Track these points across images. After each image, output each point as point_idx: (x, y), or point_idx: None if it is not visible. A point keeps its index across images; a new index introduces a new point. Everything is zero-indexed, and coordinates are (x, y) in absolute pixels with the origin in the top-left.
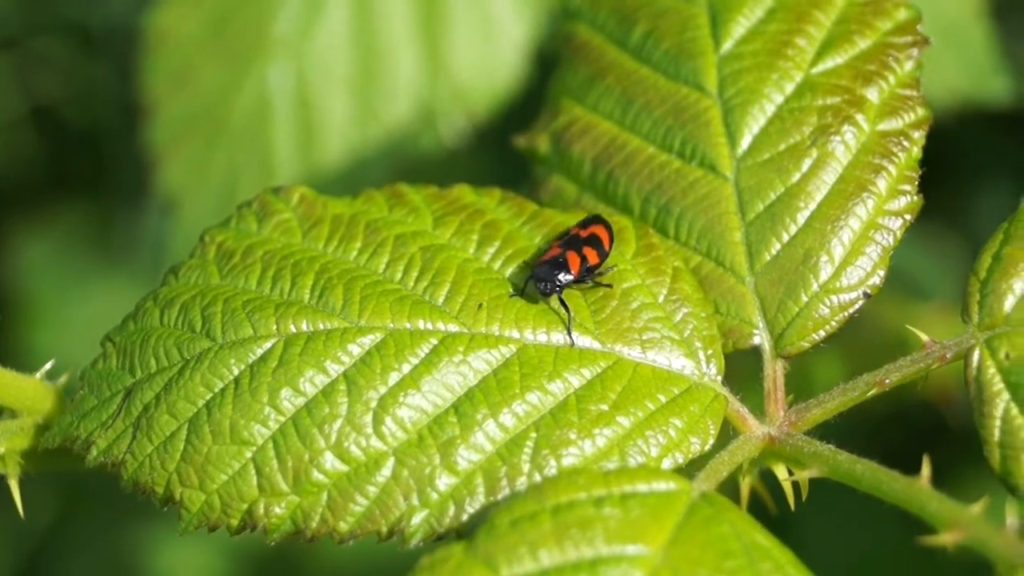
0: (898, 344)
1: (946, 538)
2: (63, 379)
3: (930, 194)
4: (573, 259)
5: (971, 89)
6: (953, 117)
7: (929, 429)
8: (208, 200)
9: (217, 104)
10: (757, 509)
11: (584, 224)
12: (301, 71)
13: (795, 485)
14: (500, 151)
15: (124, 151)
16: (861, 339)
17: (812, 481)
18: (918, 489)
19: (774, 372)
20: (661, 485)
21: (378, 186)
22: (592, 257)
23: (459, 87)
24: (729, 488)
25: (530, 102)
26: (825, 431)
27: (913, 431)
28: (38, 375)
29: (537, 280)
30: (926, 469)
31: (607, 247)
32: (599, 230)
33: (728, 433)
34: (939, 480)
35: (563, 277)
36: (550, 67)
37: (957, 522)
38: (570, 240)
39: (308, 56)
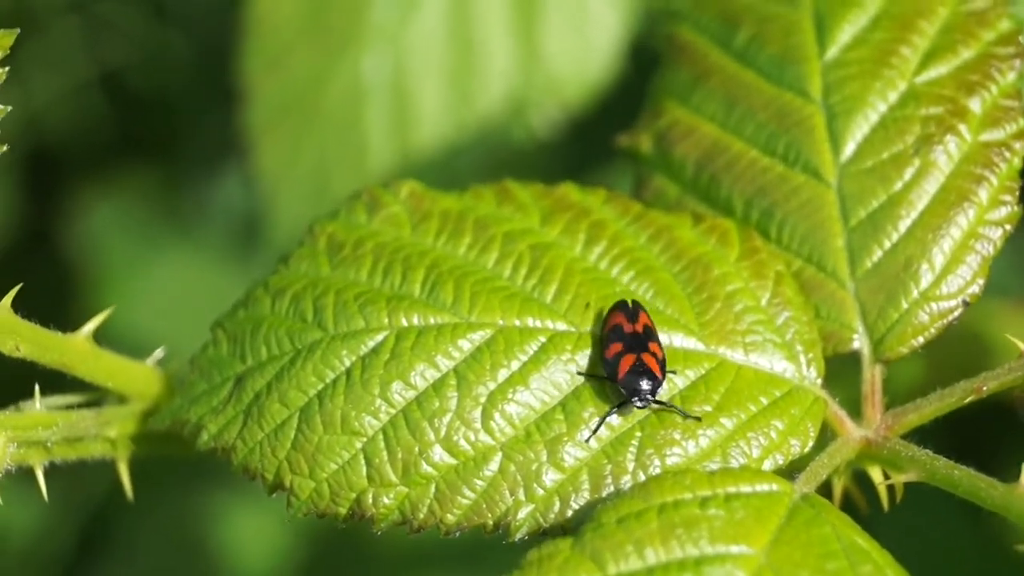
0: (975, 340)
1: None
2: (157, 353)
3: None
4: (653, 363)
5: None
6: None
7: (999, 423)
8: (300, 186)
9: (310, 90)
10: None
11: (629, 317)
12: (398, 60)
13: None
14: (595, 143)
15: (192, 117)
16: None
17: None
18: (1017, 496)
19: (872, 376)
20: (764, 487)
21: (470, 176)
22: (659, 352)
23: (552, 77)
24: (819, 488)
25: (624, 95)
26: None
27: (984, 427)
28: (149, 361)
29: (632, 395)
30: None
31: (654, 329)
32: (644, 318)
33: (824, 435)
34: (1011, 477)
35: (659, 389)
36: (644, 59)
37: None
38: (635, 339)
39: (405, 45)
